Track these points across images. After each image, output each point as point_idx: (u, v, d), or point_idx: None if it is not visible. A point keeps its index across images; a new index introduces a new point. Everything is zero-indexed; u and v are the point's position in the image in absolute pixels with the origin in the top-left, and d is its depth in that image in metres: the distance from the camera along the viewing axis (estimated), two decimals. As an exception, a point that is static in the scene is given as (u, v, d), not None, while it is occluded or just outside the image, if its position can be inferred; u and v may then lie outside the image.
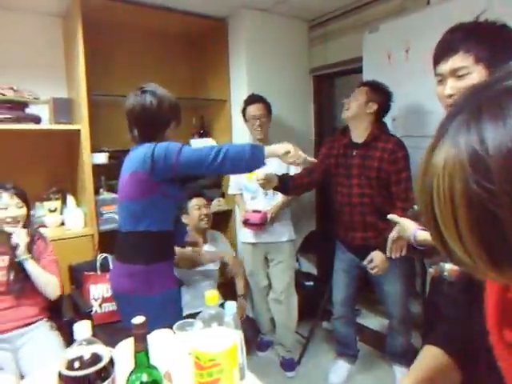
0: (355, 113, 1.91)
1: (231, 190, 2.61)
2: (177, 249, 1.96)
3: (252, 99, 2.40)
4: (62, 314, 1.76)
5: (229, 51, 2.78)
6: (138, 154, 1.46)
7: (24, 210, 1.74)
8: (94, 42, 2.30)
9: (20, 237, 1.66)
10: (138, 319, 0.73)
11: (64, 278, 1.93)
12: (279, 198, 2.36)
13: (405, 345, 2.09)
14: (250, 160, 1.40)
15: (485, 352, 0.57)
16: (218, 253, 2.34)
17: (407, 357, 2.06)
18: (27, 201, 1.78)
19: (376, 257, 1.80)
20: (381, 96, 1.92)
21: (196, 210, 2.28)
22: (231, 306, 0.97)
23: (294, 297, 2.46)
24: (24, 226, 1.74)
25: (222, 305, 0.99)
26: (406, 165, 1.82)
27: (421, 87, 2.12)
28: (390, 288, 2.00)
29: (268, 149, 1.47)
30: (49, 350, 1.60)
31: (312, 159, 1.63)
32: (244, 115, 2.43)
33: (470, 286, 0.80)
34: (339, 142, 2.04)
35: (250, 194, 2.44)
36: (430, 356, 0.76)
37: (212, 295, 0.89)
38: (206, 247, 2.34)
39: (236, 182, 2.55)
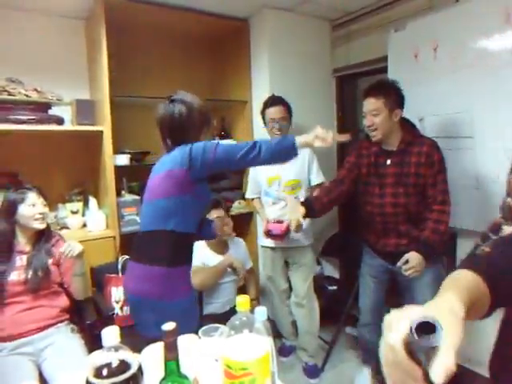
0: (385, 131, 1.79)
1: (249, 195, 2.56)
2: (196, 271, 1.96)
3: (271, 101, 2.31)
4: (84, 316, 1.74)
5: (250, 52, 2.75)
6: (174, 155, 1.46)
7: (48, 209, 1.76)
8: (115, 43, 2.30)
9: (76, 248, 1.69)
10: (169, 326, 0.69)
11: (86, 280, 1.92)
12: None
13: None
14: (284, 150, 1.45)
15: None
16: (224, 260, 2.23)
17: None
18: (47, 201, 1.80)
19: (412, 257, 1.72)
20: (396, 95, 1.78)
21: (220, 221, 2.20)
22: (262, 311, 0.92)
23: (315, 301, 2.41)
24: (47, 226, 1.74)
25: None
26: (443, 167, 1.76)
27: (449, 86, 2.05)
28: (419, 296, 1.87)
29: (299, 139, 1.45)
30: (71, 353, 1.58)
31: (342, 137, 1.63)
32: (263, 118, 2.35)
33: None
34: (368, 150, 1.91)
35: (270, 198, 2.38)
36: (470, 280, 0.70)
37: (244, 300, 0.84)
38: (227, 256, 2.28)
39: (255, 186, 2.48)
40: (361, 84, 3.03)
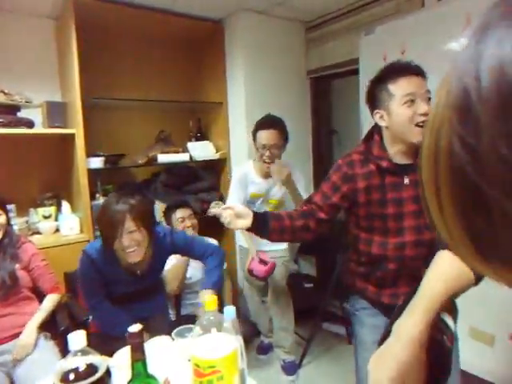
0: None
1: (235, 202, 2.30)
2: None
3: (265, 123, 2.06)
4: (58, 323, 1.72)
5: (225, 53, 2.76)
6: None
7: (3, 218, 1.69)
8: (88, 44, 2.28)
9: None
10: (134, 327, 0.70)
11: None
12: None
13: None
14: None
15: None
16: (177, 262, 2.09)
17: None
18: (5, 208, 1.74)
19: None
20: None
21: (180, 223, 2.18)
22: (230, 310, 0.94)
23: (290, 298, 2.42)
24: (4, 234, 1.69)
25: (220, 311, 0.96)
26: None
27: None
28: None
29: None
30: (44, 361, 1.54)
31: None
32: (254, 138, 2.14)
33: None
34: (364, 168, 1.30)
35: (253, 207, 2.27)
36: (450, 261, 0.70)
37: (211, 299, 0.86)
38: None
39: (241, 196, 2.21)
40: (334, 85, 3.10)
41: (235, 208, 1.32)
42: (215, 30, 2.75)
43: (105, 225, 1.52)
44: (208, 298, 0.88)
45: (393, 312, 1.08)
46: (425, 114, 1.19)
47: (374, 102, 1.29)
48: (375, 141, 1.33)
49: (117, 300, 1.63)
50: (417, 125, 1.21)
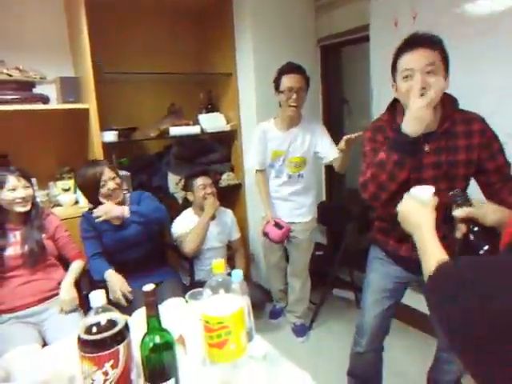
0: (438, 99, 1.24)
1: (255, 165, 2.35)
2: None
3: (289, 68, 2.11)
4: (81, 287, 1.85)
5: (234, 24, 2.72)
6: None
7: (31, 191, 1.79)
8: (98, 18, 2.28)
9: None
10: (148, 287, 0.78)
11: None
12: (303, 181, 2.30)
13: (458, 374, 1.62)
14: None
15: None
16: (205, 213, 2.28)
17: None
18: (31, 181, 1.83)
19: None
20: (447, 56, 1.30)
21: (201, 190, 2.30)
22: (238, 273, 1.01)
23: (307, 270, 2.50)
24: (32, 206, 1.80)
25: (229, 274, 1.03)
26: (500, 143, 1.34)
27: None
28: None
29: None
30: (70, 323, 1.67)
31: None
32: (277, 86, 2.16)
33: None
34: (387, 133, 1.38)
35: (273, 171, 2.33)
36: None
37: (218, 263, 0.93)
38: (214, 225, 2.37)
39: (262, 157, 2.31)
40: (345, 53, 3.03)
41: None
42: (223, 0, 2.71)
43: (89, 181, 1.91)
44: (215, 262, 0.95)
45: (409, 261, 1.37)
46: (419, 89, 1.21)
47: (392, 73, 1.35)
48: (398, 109, 1.37)
49: (127, 268, 1.95)
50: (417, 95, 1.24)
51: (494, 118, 1.87)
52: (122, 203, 1.99)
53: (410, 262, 1.38)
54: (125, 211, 1.94)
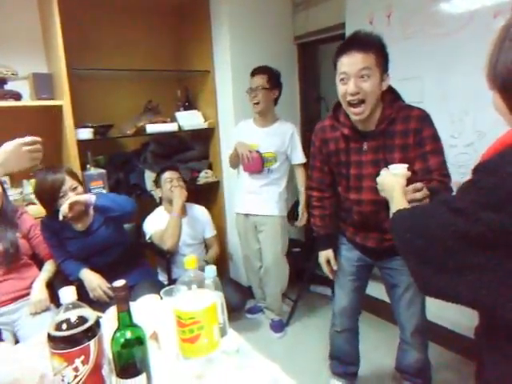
0: (372, 105, 1.31)
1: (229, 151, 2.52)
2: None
3: (254, 71, 2.33)
4: (54, 286, 1.82)
5: (211, 21, 2.72)
6: None
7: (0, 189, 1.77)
8: (73, 14, 2.25)
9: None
10: (119, 282, 0.78)
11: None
12: (273, 176, 2.38)
13: (420, 361, 1.68)
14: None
15: None
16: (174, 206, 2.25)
17: (423, 375, 1.71)
18: (0, 181, 1.80)
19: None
20: (385, 54, 1.33)
21: (168, 183, 2.31)
22: (211, 269, 1.03)
23: (285, 265, 2.53)
24: (1, 205, 1.77)
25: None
26: (437, 145, 1.34)
27: (401, 52, 2.12)
28: (404, 292, 1.60)
29: None
30: (42, 323, 1.64)
31: None
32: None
33: None
34: (333, 132, 1.49)
35: None
36: None
37: (190, 259, 0.94)
38: (184, 222, 2.34)
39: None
40: (321, 51, 3.07)
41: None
42: (200, -4, 2.70)
43: (47, 191, 1.77)
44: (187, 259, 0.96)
45: (363, 248, 1.61)
46: (352, 94, 1.29)
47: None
48: (342, 109, 1.44)
49: (99, 273, 1.89)
50: (348, 103, 1.33)
51: (466, 117, 1.96)
52: (84, 214, 1.88)
53: (365, 248, 1.60)
54: (91, 198, 1.80)
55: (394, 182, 1.12)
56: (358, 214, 1.53)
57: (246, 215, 2.49)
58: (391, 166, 1.21)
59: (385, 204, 1.26)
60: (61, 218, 1.73)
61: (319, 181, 1.67)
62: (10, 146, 1.22)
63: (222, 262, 3.00)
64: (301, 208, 2.45)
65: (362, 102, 1.30)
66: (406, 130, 1.34)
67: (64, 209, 1.72)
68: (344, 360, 1.88)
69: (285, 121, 2.42)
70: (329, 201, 1.70)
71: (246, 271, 2.70)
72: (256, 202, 2.42)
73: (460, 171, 1.96)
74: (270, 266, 2.47)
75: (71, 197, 1.76)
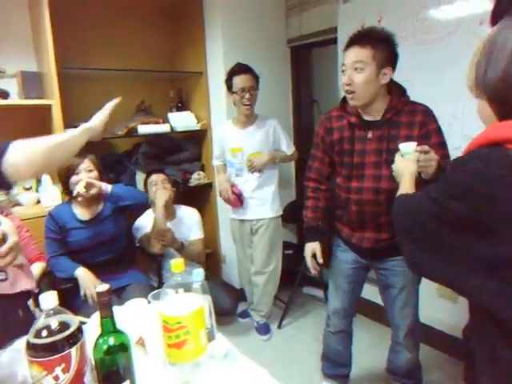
0: (367, 95, 1.39)
1: (214, 161, 2.58)
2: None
3: (239, 69, 2.21)
4: (41, 290, 1.78)
5: (204, 23, 2.71)
6: None
7: None
8: (65, 13, 2.22)
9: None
10: (102, 287, 0.76)
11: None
12: (264, 176, 2.36)
13: (411, 362, 1.70)
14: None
15: None
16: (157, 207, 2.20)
17: (413, 376, 1.73)
18: None
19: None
20: (389, 49, 1.38)
21: (153, 186, 2.26)
22: (199, 273, 1.01)
23: (278, 267, 2.51)
24: None
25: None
26: (442, 138, 1.42)
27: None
28: (399, 292, 1.61)
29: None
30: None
31: None
32: (229, 87, 2.25)
33: None
34: (339, 122, 1.55)
35: (233, 169, 2.40)
36: None
37: (177, 262, 0.92)
38: (170, 225, 2.27)
39: (220, 153, 2.49)
40: (314, 55, 3.07)
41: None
42: (193, -4, 2.68)
43: (65, 167, 1.83)
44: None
45: (359, 249, 1.62)
46: (346, 84, 1.40)
47: None
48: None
49: (93, 271, 1.86)
50: (346, 91, 1.43)
51: (454, 121, 1.96)
52: (95, 201, 1.92)
53: (361, 249, 1.61)
54: (107, 186, 1.88)
55: (403, 168, 1.22)
56: (357, 205, 1.54)
57: (242, 221, 2.46)
58: (401, 145, 1.27)
59: (385, 195, 1.45)
60: (74, 193, 1.80)
61: (318, 171, 1.70)
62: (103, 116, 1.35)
63: (214, 264, 2.97)
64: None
65: (352, 92, 1.40)
66: (412, 122, 1.41)
67: (80, 186, 1.79)
68: (336, 361, 1.88)
69: (264, 116, 2.38)
70: (323, 194, 1.72)
71: (240, 275, 2.67)
72: (250, 206, 2.39)
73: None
74: (262, 267, 2.45)
75: (84, 177, 1.84)
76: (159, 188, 2.24)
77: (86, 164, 1.87)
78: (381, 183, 1.46)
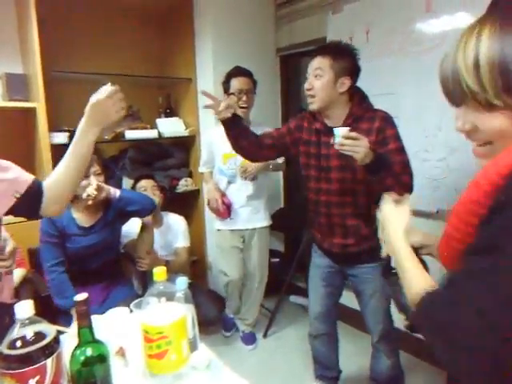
0: (325, 99, 1.49)
1: (201, 168, 2.47)
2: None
3: (238, 71, 2.19)
4: (21, 297, 1.73)
5: (194, 29, 2.71)
6: None
7: None
8: (52, 15, 2.20)
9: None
10: (81, 296, 0.74)
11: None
12: (257, 183, 2.31)
13: (391, 368, 1.71)
14: None
15: None
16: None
17: (395, 382, 1.75)
18: None
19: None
20: (348, 61, 1.49)
21: (142, 192, 2.20)
22: (182, 281, 0.99)
23: (265, 278, 2.50)
24: None
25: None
26: (399, 144, 1.46)
27: (379, 69, 2.16)
28: (369, 299, 1.67)
29: None
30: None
31: None
32: (226, 89, 2.21)
33: None
34: (309, 125, 1.63)
35: (225, 177, 2.33)
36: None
37: (160, 271, 0.90)
38: (157, 232, 2.23)
39: (208, 159, 2.40)
40: (304, 63, 3.09)
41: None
42: (184, 3, 2.68)
43: None
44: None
45: (330, 254, 1.70)
46: (307, 89, 1.52)
47: None
48: None
49: (84, 279, 1.81)
50: (307, 96, 1.54)
51: (439, 133, 1.99)
52: (103, 204, 1.86)
53: (332, 254, 1.69)
54: (116, 191, 1.84)
55: (394, 225, 0.82)
56: (325, 207, 1.62)
57: (232, 231, 2.37)
58: (335, 129, 1.33)
59: (350, 197, 1.55)
60: (84, 195, 1.72)
61: (268, 134, 1.74)
62: (95, 102, 1.13)
63: (200, 272, 2.94)
64: None
65: (313, 96, 1.50)
66: (371, 129, 1.48)
67: (92, 188, 1.73)
68: (323, 363, 1.91)
69: (257, 123, 2.31)
70: (254, 139, 1.69)
71: (227, 284, 2.48)
72: (241, 215, 2.33)
73: (432, 185, 2.01)
74: (253, 277, 2.42)
75: (93, 181, 1.76)
76: (148, 194, 2.20)
77: (96, 167, 1.82)
78: (345, 185, 1.55)
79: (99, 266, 1.88)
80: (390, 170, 1.36)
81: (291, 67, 3.02)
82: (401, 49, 2.06)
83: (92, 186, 1.73)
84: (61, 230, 1.80)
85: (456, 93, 0.60)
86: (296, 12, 2.77)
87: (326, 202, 1.61)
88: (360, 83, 2.21)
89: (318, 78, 1.48)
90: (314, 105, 1.52)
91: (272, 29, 2.91)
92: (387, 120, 1.49)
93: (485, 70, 0.55)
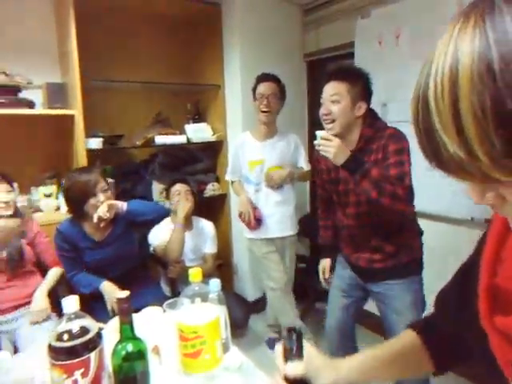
0: (344, 125, 1.48)
1: (228, 176, 2.44)
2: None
3: (263, 77, 2.22)
4: (58, 295, 1.81)
5: (222, 36, 2.77)
6: None
7: (13, 195, 1.78)
8: (88, 26, 2.30)
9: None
10: (123, 294, 0.77)
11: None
12: (284, 192, 2.30)
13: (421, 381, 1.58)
14: None
15: (473, 340, 0.55)
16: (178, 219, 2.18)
17: None
18: (13, 186, 1.81)
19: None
20: (363, 86, 1.51)
21: (176, 196, 2.25)
22: (216, 283, 1.01)
23: (292, 284, 2.47)
24: (15, 211, 1.77)
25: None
26: (398, 158, 1.43)
27: (410, 73, 2.13)
28: (397, 317, 1.58)
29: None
30: (42, 333, 1.63)
31: None
32: (254, 95, 2.25)
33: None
34: (325, 159, 1.59)
35: (252, 186, 2.31)
36: (404, 345, 0.73)
37: (196, 272, 0.93)
38: (188, 235, 2.26)
39: (234, 168, 2.38)
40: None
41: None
42: (213, 12, 2.75)
43: (80, 189, 1.74)
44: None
45: (356, 269, 1.69)
46: (325, 114, 1.49)
47: None
48: None
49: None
50: (324, 120, 1.52)
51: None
52: (109, 222, 1.85)
53: (357, 268, 1.67)
54: (123, 205, 1.80)
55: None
56: (346, 230, 1.66)
57: (262, 239, 2.32)
58: (316, 132, 1.40)
59: (366, 219, 1.55)
60: (95, 218, 1.71)
61: (322, 198, 1.86)
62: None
63: (226, 276, 2.97)
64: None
65: (332, 121, 1.48)
66: (379, 147, 1.49)
67: (103, 210, 1.70)
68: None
69: (284, 131, 2.34)
70: (332, 214, 1.82)
71: (273, 301, 2.39)
72: (269, 224, 2.30)
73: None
74: (286, 285, 2.35)
75: (102, 199, 1.75)
76: (182, 198, 2.23)
77: (102, 183, 1.78)
78: (360, 208, 1.55)
79: (123, 274, 1.88)
80: (366, 175, 1.36)
81: (318, 72, 3.03)
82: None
83: (103, 208, 1.71)
84: (74, 244, 1.80)
85: (438, 156, 0.36)
86: (323, 17, 2.78)
87: (348, 225, 1.64)
88: (391, 88, 2.19)
89: (336, 103, 1.47)
90: (333, 130, 1.50)
91: (299, 34, 2.93)
92: (392, 137, 1.48)
93: (468, 118, 0.32)
